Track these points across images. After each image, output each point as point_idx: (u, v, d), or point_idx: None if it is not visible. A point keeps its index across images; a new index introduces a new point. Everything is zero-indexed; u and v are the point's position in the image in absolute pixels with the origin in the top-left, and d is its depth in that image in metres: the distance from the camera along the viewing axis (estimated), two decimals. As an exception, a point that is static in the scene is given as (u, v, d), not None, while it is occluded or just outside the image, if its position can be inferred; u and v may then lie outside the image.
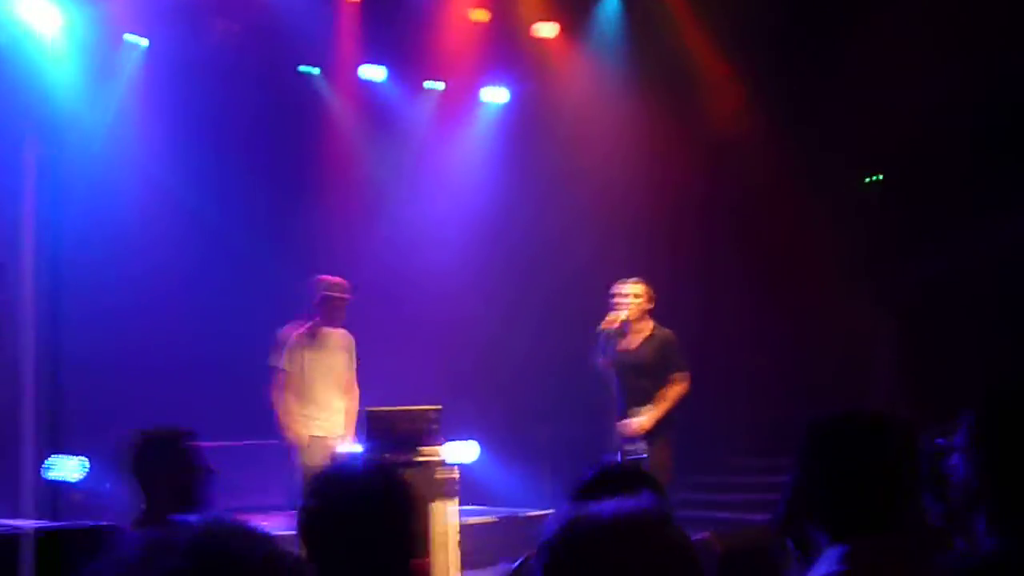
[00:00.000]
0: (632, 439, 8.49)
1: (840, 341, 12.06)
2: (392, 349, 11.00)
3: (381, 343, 9.97)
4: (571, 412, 11.84)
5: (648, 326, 8.74)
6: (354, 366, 9.26)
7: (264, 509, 9.67)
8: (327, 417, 9.03)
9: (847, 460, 2.71)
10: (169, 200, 11.53)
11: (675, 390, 8.64)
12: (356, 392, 9.24)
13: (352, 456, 5.71)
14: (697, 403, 8.98)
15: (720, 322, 12.75)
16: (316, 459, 8.61)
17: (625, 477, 3.11)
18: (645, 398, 8.55)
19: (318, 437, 8.98)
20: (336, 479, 2.78)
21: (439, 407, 8.63)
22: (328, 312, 9.07)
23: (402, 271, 12.50)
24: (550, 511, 8.89)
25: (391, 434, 8.40)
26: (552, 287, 12.57)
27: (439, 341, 12.53)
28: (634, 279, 8.77)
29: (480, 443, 11.08)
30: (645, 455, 8.26)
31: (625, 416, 8.55)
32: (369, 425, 8.51)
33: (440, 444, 8.52)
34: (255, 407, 9.44)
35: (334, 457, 8.24)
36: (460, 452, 9.64)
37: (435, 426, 8.52)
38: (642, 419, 8.49)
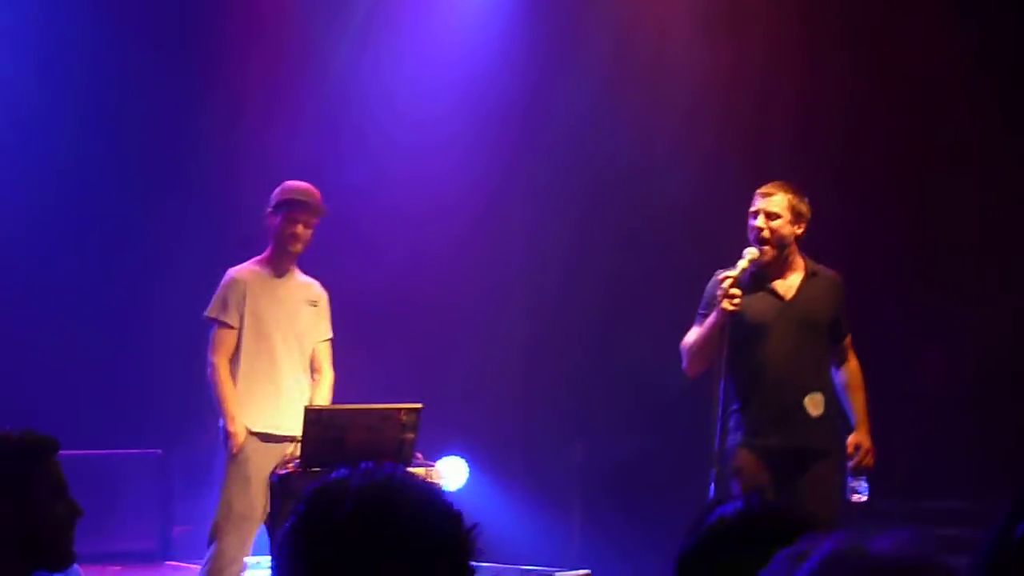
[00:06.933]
0: (859, 473, 5.90)
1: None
2: (355, 328, 8.05)
3: (339, 318, 7.30)
4: (629, 419, 8.66)
5: (799, 262, 6.01)
6: (328, 334, 6.85)
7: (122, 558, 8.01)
8: (286, 405, 6.57)
9: None
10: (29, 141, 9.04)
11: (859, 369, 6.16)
12: (331, 376, 6.82)
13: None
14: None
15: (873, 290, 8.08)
16: (255, 473, 6.41)
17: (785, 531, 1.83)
18: (817, 379, 5.96)
19: (264, 435, 6.53)
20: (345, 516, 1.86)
21: (418, 406, 6.20)
22: (287, 237, 6.64)
23: (377, 209, 8.96)
24: (585, 573, 7.49)
25: (338, 445, 6.04)
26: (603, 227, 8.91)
27: (421, 314, 9.15)
28: (776, 184, 5.95)
29: (470, 463, 8.43)
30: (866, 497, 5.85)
31: (785, 408, 5.81)
32: (305, 431, 6.10)
33: (417, 463, 6.23)
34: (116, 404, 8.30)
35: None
36: (442, 475, 7.24)
37: (411, 435, 6.15)
38: (863, 436, 5.96)
